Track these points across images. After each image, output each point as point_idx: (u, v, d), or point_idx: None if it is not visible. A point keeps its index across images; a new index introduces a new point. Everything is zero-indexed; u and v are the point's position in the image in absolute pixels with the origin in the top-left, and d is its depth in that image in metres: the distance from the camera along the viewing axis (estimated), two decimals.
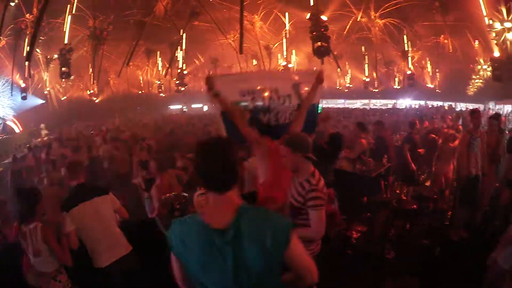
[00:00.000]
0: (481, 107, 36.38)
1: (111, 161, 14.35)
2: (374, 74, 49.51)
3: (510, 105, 30.52)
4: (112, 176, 13.38)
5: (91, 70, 40.43)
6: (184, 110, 53.78)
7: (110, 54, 43.18)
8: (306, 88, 6.50)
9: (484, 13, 19.99)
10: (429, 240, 9.31)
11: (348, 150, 11.88)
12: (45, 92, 42.47)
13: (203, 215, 2.73)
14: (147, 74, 53.99)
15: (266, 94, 6.38)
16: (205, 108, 51.63)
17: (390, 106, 52.77)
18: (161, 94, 51.30)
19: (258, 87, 6.42)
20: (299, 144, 4.74)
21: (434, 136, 13.72)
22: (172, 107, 54.30)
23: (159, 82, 51.25)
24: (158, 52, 49.55)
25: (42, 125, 37.51)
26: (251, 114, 6.23)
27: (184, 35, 40.98)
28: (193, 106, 52.68)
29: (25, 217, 5.32)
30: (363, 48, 47.34)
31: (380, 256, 8.59)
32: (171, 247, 2.76)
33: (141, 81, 54.44)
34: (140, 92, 53.54)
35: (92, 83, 42.46)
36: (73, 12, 31.34)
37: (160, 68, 51.66)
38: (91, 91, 43.73)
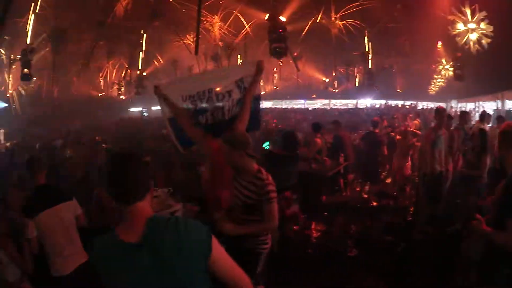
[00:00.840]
0: (443, 105, 37.90)
1: (70, 165, 13.85)
2: (334, 75, 50.17)
3: (472, 103, 30.92)
4: (71, 180, 12.99)
5: (52, 71, 39.87)
6: (144, 113, 53.09)
7: (72, 55, 41.67)
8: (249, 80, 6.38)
9: (448, 15, 20.27)
10: (392, 236, 9.27)
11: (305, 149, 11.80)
12: (8, 95, 41.43)
13: (117, 228, 2.59)
14: (107, 75, 53.24)
15: (205, 95, 6.28)
16: None
17: (351, 106, 53.39)
18: (121, 97, 50.72)
19: (197, 91, 6.30)
20: (238, 142, 4.70)
21: (393, 134, 14.10)
22: (132, 109, 53.39)
23: (119, 84, 50.73)
24: (119, 53, 48.65)
25: (1, 130, 36.54)
26: (193, 118, 6.17)
27: (144, 36, 40.58)
28: (153, 108, 51.35)
29: None
30: (323, 49, 47.52)
31: (342, 254, 8.50)
32: (95, 266, 2.60)
33: (101, 83, 53.48)
34: (100, 94, 52.79)
35: (52, 84, 41.73)
36: (37, 11, 30.89)
37: (120, 69, 51.22)
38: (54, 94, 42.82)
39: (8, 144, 26.56)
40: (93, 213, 7.09)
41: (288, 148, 8.39)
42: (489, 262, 4.16)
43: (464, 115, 11.19)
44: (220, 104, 6.27)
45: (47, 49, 37.39)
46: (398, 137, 12.89)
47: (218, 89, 6.30)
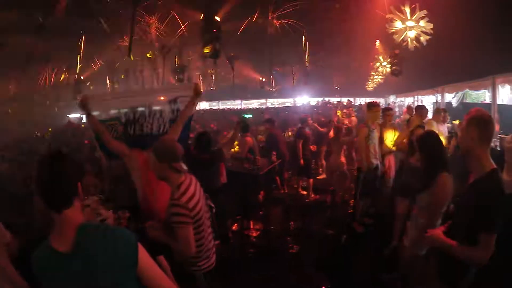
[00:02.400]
0: (382, 100, 39.78)
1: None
2: (271, 74, 50.92)
3: (411, 98, 31.59)
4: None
5: None
6: (83, 120, 51.14)
7: (14, 58, 39.81)
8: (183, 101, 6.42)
9: (387, 13, 20.59)
10: (333, 230, 9.47)
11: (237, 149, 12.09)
12: None
13: (50, 238, 2.59)
14: (46, 80, 51.11)
15: (137, 109, 6.26)
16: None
17: (288, 104, 53.83)
18: (59, 103, 48.96)
19: (130, 105, 6.28)
20: (164, 153, 4.44)
21: (323, 130, 14.32)
22: (71, 116, 51.19)
23: (56, 89, 48.98)
24: (57, 56, 46.03)
25: None
26: (123, 129, 6.19)
27: (83, 38, 39.54)
28: (93, 113, 50.04)
29: None
30: (260, 49, 47.91)
31: (282, 252, 8.59)
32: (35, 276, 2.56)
33: (42, 88, 51.14)
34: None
35: None
36: None
37: (57, 73, 49.47)
38: None
39: None
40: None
41: (201, 148, 8.33)
42: (450, 268, 4.15)
43: (421, 110, 11.22)
44: (152, 118, 6.29)
45: None
46: (331, 133, 13.00)
47: (150, 106, 6.32)
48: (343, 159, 11.87)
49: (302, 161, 12.06)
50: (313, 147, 13.04)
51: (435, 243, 4.11)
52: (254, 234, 9.55)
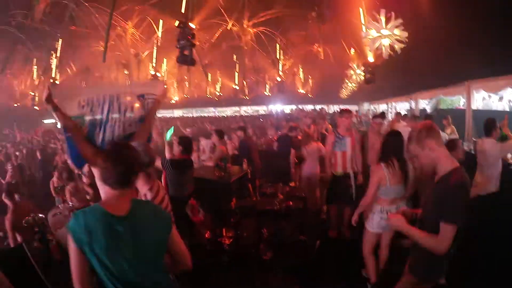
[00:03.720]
0: (355, 107, 41.01)
1: None
2: (244, 82, 51.09)
3: (385, 104, 32.14)
4: None
5: None
6: (58, 125, 49.75)
7: None
8: (150, 99, 6.01)
9: (363, 22, 20.76)
10: (306, 236, 9.66)
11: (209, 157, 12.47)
12: None
13: (103, 205, 3.18)
14: (22, 84, 50.27)
15: (105, 102, 5.68)
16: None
17: (262, 112, 54.74)
18: (35, 107, 47.68)
19: (97, 97, 5.70)
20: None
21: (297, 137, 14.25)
22: (46, 121, 48.88)
23: (33, 93, 47.50)
24: (35, 60, 45.72)
25: None
26: (88, 129, 5.53)
27: (60, 41, 39.10)
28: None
29: None
30: (234, 57, 48.17)
31: (256, 258, 8.71)
32: (73, 240, 2.97)
33: (17, 92, 50.39)
34: (16, 104, 49.82)
35: None
36: None
37: (35, 77, 47.92)
38: None
39: None
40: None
41: (186, 152, 8.47)
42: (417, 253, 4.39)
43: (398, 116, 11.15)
44: (121, 118, 5.72)
45: None
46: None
47: (121, 98, 5.78)
48: (317, 166, 11.91)
49: (284, 167, 12.42)
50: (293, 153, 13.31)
51: (398, 226, 4.40)
52: (227, 242, 9.64)
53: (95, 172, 5.13)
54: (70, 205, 6.47)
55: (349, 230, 9.84)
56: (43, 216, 7.01)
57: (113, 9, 26.30)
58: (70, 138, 5.37)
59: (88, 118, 5.57)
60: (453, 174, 3.97)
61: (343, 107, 12.68)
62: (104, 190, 3.38)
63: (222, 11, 37.47)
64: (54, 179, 12.11)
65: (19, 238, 8.04)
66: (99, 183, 4.50)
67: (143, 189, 4.86)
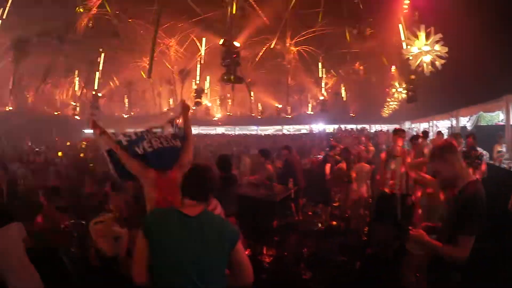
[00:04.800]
0: (396, 127, 38.80)
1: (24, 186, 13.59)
2: (287, 101, 50.39)
3: (426, 123, 31.82)
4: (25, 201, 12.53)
5: (10, 84, 39.12)
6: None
7: (33, 70, 41.11)
8: (179, 120, 6.53)
9: (403, 38, 20.54)
10: (346, 257, 9.39)
11: (253, 176, 12.30)
12: None
13: (178, 208, 3.64)
14: (63, 94, 52.05)
15: (141, 133, 6.12)
16: None
17: (304, 131, 54.25)
18: (76, 117, 48.37)
19: (134, 129, 6.24)
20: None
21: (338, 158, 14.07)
22: (87, 131, 49.08)
23: (74, 103, 48.61)
24: (77, 71, 47.30)
25: None
26: (127, 150, 5.84)
27: (102, 55, 39.74)
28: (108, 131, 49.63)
29: None
30: (277, 75, 47.90)
31: (296, 278, 8.59)
32: (144, 230, 3.49)
33: (58, 101, 52.04)
34: (56, 113, 50.35)
35: (9, 98, 40.66)
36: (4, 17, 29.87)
37: (76, 88, 49.56)
38: (10, 108, 41.27)
39: None
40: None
41: (225, 169, 8.50)
42: (437, 267, 4.42)
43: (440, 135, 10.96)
44: (155, 134, 6.17)
45: (9, 59, 36.67)
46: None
47: (152, 126, 6.32)
48: (365, 186, 11.80)
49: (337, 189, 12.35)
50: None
51: (419, 241, 4.46)
52: (268, 260, 9.55)
53: (145, 182, 5.56)
54: (112, 215, 6.49)
55: (390, 250, 9.29)
56: (83, 222, 7.11)
57: (157, 26, 26.53)
58: (113, 153, 5.76)
59: (124, 142, 5.89)
60: (469, 187, 4.14)
61: (385, 127, 12.54)
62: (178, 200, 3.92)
63: (265, 29, 36.99)
64: (96, 187, 11.93)
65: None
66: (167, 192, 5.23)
67: None
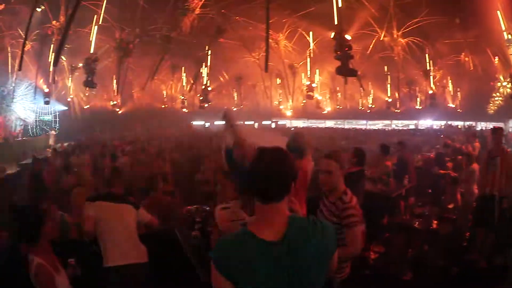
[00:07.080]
0: (501, 125, 36.77)
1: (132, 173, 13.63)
2: (396, 94, 49.51)
3: None
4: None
5: (115, 81, 41.94)
6: (206, 126, 53.42)
7: (135, 67, 44.17)
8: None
9: (503, 28, 19.88)
10: (446, 261, 8.98)
11: (371, 170, 11.79)
12: (68, 99, 43.51)
13: (250, 227, 2.67)
14: (171, 89, 54.53)
15: None
16: None
17: (412, 126, 53.10)
18: (184, 110, 51.55)
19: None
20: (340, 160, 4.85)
21: (460, 157, 13.81)
22: (195, 123, 54.09)
23: (182, 97, 51.59)
24: (183, 68, 50.06)
25: (52, 132, 38.51)
26: None
27: (210, 51, 41.32)
28: (216, 123, 49.58)
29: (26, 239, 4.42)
30: (385, 68, 47.30)
31: (397, 278, 8.57)
32: (219, 268, 2.53)
33: (165, 96, 54.96)
34: (163, 106, 53.92)
35: (115, 94, 43.68)
36: (100, 22, 32.17)
37: (184, 83, 52.25)
38: (115, 102, 44.57)
39: (66, 144, 28.21)
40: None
41: (361, 164, 8.57)
42: None
43: None
44: None
45: (110, 59, 39.47)
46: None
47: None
48: (474, 188, 11.32)
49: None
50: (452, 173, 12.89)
51: None
52: (373, 256, 9.47)
53: None
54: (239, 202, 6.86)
55: (491, 257, 9.05)
56: (208, 207, 7.45)
57: (268, 22, 26.96)
58: (231, 158, 5.60)
59: None
60: None
61: (491, 125, 12.32)
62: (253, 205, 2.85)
63: (372, 21, 37.10)
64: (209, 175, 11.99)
65: None
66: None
67: (341, 189, 4.85)
